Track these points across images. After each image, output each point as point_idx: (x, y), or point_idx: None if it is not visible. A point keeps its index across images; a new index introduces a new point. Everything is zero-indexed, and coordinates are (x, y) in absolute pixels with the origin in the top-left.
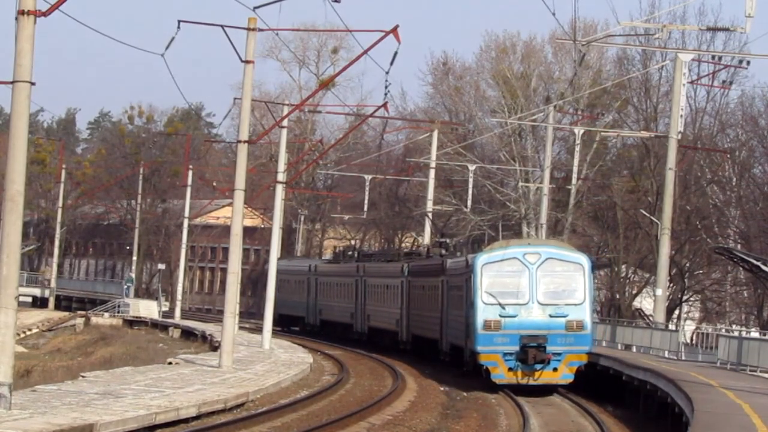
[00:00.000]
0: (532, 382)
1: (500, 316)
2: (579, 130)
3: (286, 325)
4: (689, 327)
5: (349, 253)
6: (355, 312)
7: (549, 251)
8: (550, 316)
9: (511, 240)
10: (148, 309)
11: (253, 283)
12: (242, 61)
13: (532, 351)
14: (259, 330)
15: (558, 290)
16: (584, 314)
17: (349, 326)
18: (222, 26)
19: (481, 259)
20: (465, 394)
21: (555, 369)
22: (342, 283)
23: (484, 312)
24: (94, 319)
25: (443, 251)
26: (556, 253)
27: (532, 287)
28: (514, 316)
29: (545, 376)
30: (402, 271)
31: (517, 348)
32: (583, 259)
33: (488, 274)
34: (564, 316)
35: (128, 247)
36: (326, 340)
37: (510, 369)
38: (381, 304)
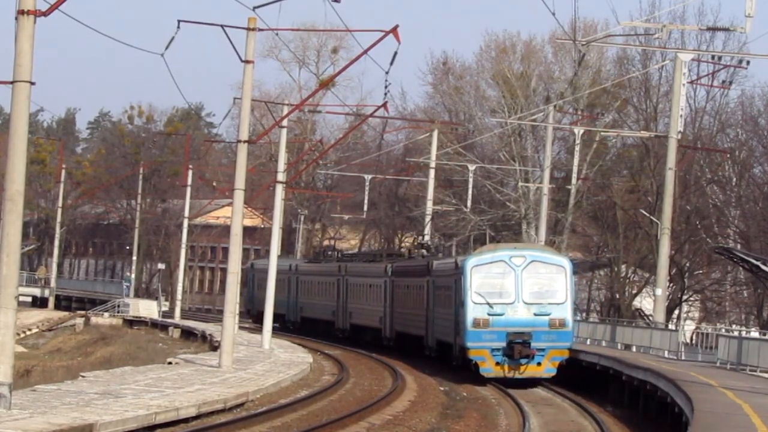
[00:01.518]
0: (517, 375)
1: (488, 314)
2: (579, 130)
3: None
4: (689, 327)
5: (329, 253)
6: (336, 310)
7: (533, 254)
8: (535, 314)
9: (498, 244)
10: (148, 309)
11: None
12: (242, 61)
13: (517, 347)
14: (258, 330)
15: (542, 291)
16: (566, 313)
17: (330, 323)
18: (222, 26)
19: (471, 261)
20: (465, 393)
21: (539, 363)
22: (323, 282)
23: (474, 310)
24: (93, 319)
25: (425, 252)
26: (540, 256)
27: (517, 288)
28: (501, 315)
29: (530, 370)
30: (385, 271)
31: (503, 344)
32: (565, 262)
33: (477, 275)
34: (547, 315)
35: (128, 247)
36: (326, 341)
37: (497, 363)
38: (364, 303)
